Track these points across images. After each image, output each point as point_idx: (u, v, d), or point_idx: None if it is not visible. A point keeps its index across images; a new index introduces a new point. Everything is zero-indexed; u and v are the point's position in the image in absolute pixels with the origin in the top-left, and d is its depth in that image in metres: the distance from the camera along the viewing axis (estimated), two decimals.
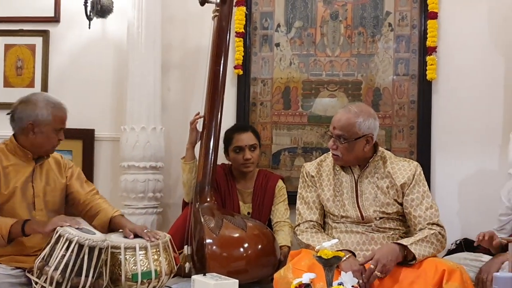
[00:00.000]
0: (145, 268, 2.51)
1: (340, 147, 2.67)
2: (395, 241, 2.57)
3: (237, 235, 2.99)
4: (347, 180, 2.74)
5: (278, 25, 3.74)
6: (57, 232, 2.37)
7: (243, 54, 3.71)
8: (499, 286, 2.20)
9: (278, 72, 3.74)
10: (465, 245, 3.02)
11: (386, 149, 2.90)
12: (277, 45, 3.74)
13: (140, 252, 2.53)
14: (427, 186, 2.73)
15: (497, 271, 2.54)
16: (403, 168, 2.72)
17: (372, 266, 2.40)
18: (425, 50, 3.55)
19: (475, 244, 2.65)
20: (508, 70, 3.46)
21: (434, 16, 3.54)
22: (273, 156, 3.74)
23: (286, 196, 3.42)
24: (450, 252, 3.01)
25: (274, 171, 3.65)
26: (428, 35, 3.54)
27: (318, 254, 2.13)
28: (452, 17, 3.56)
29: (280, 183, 3.43)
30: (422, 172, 2.74)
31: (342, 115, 2.68)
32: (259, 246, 2.99)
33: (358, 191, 2.71)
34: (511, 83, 3.38)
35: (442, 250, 2.62)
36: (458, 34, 3.57)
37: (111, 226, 2.76)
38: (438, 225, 2.63)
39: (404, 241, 2.51)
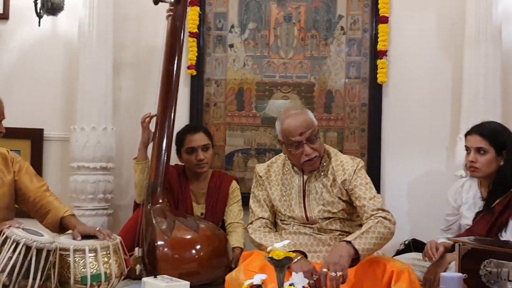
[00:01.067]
0: (95, 271, 2.48)
1: (316, 146, 2.67)
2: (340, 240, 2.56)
3: (189, 236, 2.98)
4: (296, 180, 2.76)
5: (232, 26, 3.75)
6: (3, 234, 2.31)
7: (196, 54, 3.70)
8: (446, 285, 2.26)
9: (232, 73, 3.74)
10: (413, 246, 3.08)
11: (339, 150, 2.94)
12: (231, 46, 3.74)
13: (90, 255, 2.49)
14: (369, 179, 2.72)
15: (444, 271, 2.60)
16: (346, 164, 2.72)
17: (324, 270, 2.34)
18: (376, 54, 3.61)
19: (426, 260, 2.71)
20: (456, 74, 3.54)
21: (385, 20, 3.60)
22: (226, 157, 3.74)
23: (240, 197, 3.42)
24: (399, 252, 3.06)
25: (227, 172, 3.64)
26: (379, 39, 3.60)
27: (270, 255, 2.14)
28: (403, 21, 3.63)
29: (234, 184, 3.43)
30: (363, 167, 2.76)
31: (298, 118, 2.68)
32: (211, 248, 2.98)
33: (306, 191, 2.74)
34: (458, 87, 3.46)
35: (391, 236, 2.58)
36: (408, 38, 3.64)
37: (61, 226, 2.71)
38: (383, 210, 2.60)
39: (348, 237, 2.50)
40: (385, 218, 2.56)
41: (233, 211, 3.38)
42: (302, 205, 2.72)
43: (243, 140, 3.74)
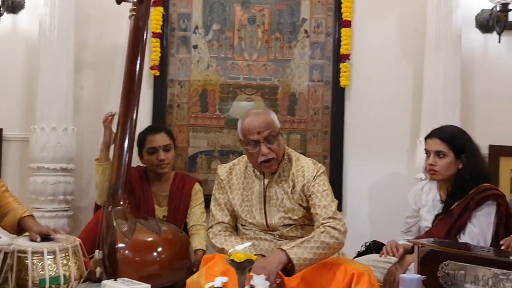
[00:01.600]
0: (54, 273, 2.43)
1: (273, 147, 2.62)
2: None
3: (150, 239, 2.94)
4: (257, 185, 2.72)
5: (196, 27, 3.73)
6: None
7: (160, 55, 3.67)
8: (405, 287, 2.29)
9: (196, 74, 3.72)
10: (374, 247, 3.10)
11: (301, 153, 2.90)
12: (195, 47, 3.72)
13: (48, 257, 2.44)
14: (327, 186, 2.66)
15: (404, 272, 2.64)
16: (306, 170, 2.67)
17: (250, 274, 2.25)
18: (339, 57, 3.64)
19: (380, 256, 2.74)
20: (416, 78, 3.60)
21: (348, 24, 3.64)
22: (189, 159, 3.72)
23: (202, 199, 3.40)
24: (360, 254, 3.08)
25: (190, 174, 3.62)
26: (342, 43, 3.64)
27: (231, 258, 2.13)
28: (365, 26, 3.68)
29: (197, 186, 3.41)
30: (324, 173, 2.70)
31: (258, 118, 2.63)
32: (173, 250, 2.95)
33: (266, 197, 2.69)
34: (419, 91, 3.52)
35: (339, 246, 2.54)
36: (371, 42, 3.68)
37: (20, 227, 2.66)
38: (334, 218, 2.55)
39: (285, 245, 2.47)
40: (333, 228, 2.51)
41: (196, 213, 3.36)
42: (263, 211, 2.69)
43: (207, 142, 3.72)
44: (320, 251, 2.46)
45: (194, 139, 3.73)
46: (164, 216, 3.34)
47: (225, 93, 3.72)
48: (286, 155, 2.73)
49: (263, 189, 2.70)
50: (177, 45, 3.72)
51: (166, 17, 3.69)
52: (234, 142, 3.69)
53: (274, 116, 2.70)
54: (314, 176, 2.64)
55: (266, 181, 2.70)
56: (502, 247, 2.44)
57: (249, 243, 2.32)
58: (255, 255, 2.34)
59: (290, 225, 2.67)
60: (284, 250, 2.41)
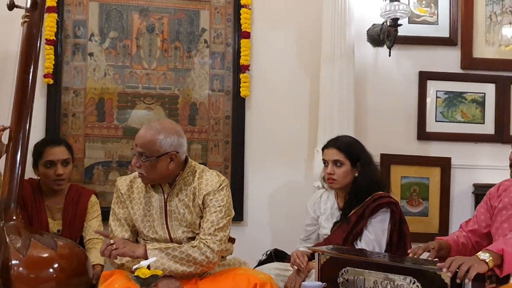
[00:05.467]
0: None
1: (143, 165, 2.54)
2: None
3: (46, 255, 2.80)
4: (156, 199, 2.64)
5: (92, 35, 3.61)
6: None
7: (53, 62, 3.52)
8: None
9: (92, 83, 3.60)
10: (275, 255, 3.15)
11: (201, 163, 2.87)
12: (91, 54, 3.61)
13: None
14: (225, 202, 2.60)
15: (304, 279, 2.70)
16: (209, 183, 2.62)
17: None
18: (239, 68, 3.67)
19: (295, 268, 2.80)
20: (313, 89, 3.70)
21: (247, 35, 3.68)
22: (86, 170, 3.59)
23: (99, 212, 3.29)
24: (261, 263, 3.12)
25: (87, 186, 3.49)
26: (241, 54, 3.67)
27: (135, 274, 2.09)
28: (264, 37, 3.74)
29: (93, 198, 3.29)
30: (227, 187, 2.65)
31: (144, 132, 2.56)
32: (70, 266, 2.82)
33: (167, 211, 2.62)
34: (315, 102, 3.62)
35: (209, 265, 2.51)
36: (269, 54, 3.74)
37: None
38: (213, 235, 2.52)
39: (151, 245, 2.50)
40: (207, 245, 2.49)
41: (93, 227, 3.24)
42: (165, 226, 2.62)
43: (104, 153, 3.61)
44: (184, 262, 2.46)
45: (91, 149, 3.60)
46: (58, 230, 3.20)
47: (123, 102, 3.63)
48: (189, 168, 2.65)
49: (163, 203, 2.63)
50: (72, 52, 3.59)
51: (60, 24, 3.55)
52: (132, 153, 3.58)
53: (161, 140, 2.52)
54: (215, 190, 2.59)
55: (166, 194, 2.63)
56: (410, 255, 2.55)
57: (154, 258, 2.29)
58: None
59: (194, 238, 2.61)
60: (145, 248, 2.47)
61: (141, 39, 3.66)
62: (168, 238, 2.61)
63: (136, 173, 2.70)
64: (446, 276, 2.11)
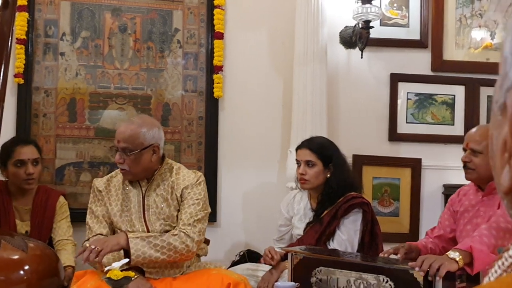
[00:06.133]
0: None
1: (127, 160, 2.60)
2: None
3: (16, 257, 2.76)
4: (135, 194, 2.70)
5: (64, 34, 3.57)
6: None
7: (24, 62, 3.46)
8: None
9: (63, 83, 3.56)
10: (248, 256, 3.16)
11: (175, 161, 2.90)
12: (62, 54, 3.57)
13: None
14: (202, 196, 2.68)
15: (277, 280, 2.71)
16: (187, 178, 2.70)
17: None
18: (212, 68, 3.66)
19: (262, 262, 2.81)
20: (286, 91, 3.71)
21: (220, 36, 3.67)
22: (57, 171, 3.54)
23: (68, 213, 3.25)
24: (234, 263, 3.13)
25: (58, 187, 3.46)
26: (214, 54, 3.65)
27: (108, 275, 2.08)
28: (237, 38, 3.73)
29: (61, 199, 3.26)
30: (203, 183, 2.72)
31: (125, 127, 2.63)
32: (41, 268, 2.78)
33: (145, 205, 2.68)
34: (288, 103, 3.64)
35: (188, 254, 2.56)
36: (243, 55, 3.74)
37: None
38: (193, 226, 2.58)
39: (134, 234, 2.54)
40: (187, 234, 2.55)
41: (62, 228, 3.21)
42: (143, 220, 2.67)
43: (75, 153, 3.56)
44: (164, 251, 2.50)
45: (62, 150, 3.56)
46: (26, 232, 3.16)
47: (95, 103, 3.60)
48: (166, 165, 2.74)
49: (141, 198, 2.68)
50: (43, 52, 3.54)
51: (31, 23, 3.50)
52: (105, 153, 3.57)
53: (145, 132, 2.62)
54: (193, 184, 2.67)
55: (144, 189, 2.69)
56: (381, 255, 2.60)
57: (126, 260, 2.28)
58: (131, 269, 2.31)
59: (170, 231, 2.65)
60: (127, 236, 2.47)
61: (113, 38, 3.63)
62: (145, 230, 2.65)
63: (113, 173, 2.81)
64: (419, 275, 2.14)
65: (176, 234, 2.55)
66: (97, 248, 2.39)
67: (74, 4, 3.59)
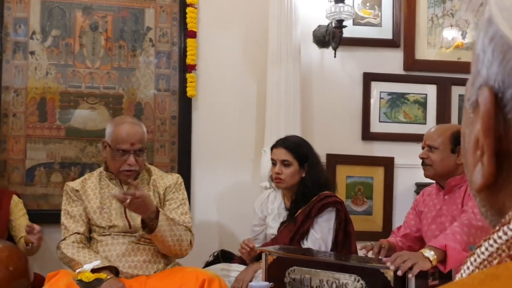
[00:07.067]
0: None
1: (140, 161, 2.69)
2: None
3: None
4: (116, 191, 2.71)
5: (34, 33, 3.50)
6: None
7: None
8: None
9: (34, 82, 3.49)
10: (222, 256, 3.15)
11: (148, 163, 2.95)
12: (32, 53, 3.50)
13: None
14: (186, 196, 2.84)
15: (251, 280, 2.71)
16: (166, 178, 2.81)
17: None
18: (185, 68, 3.62)
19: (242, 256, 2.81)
20: (260, 91, 3.70)
21: (193, 35, 3.64)
22: (27, 172, 3.47)
23: (25, 210, 3.20)
24: (208, 264, 3.11)
25: (28, 188, 3.40)
26: (187, 53, 3.62)
27: (79, 277, 2.04)
28: (210, 37, 3.71)
29: (15, 198, 3.20)
30: (183, 183, 2.86)
31: (133, 129, 2.69)
32: (10, 269, 2.75)
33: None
34: (262, 103, 3.62)
35: (182, 253, 2.69)
36: (216, 54, 3.71)
37: None
38: (190, 231, 2.73)
39: (162, 210, 2.62)
40: (192, 234, 2.73)
41: (22, 225, 3.14)
42: (124, 215, 2.69)
43: (46, 154, 3.50)
44: (174, 239, 2.59)
45: (32, 150, 3.49)
46: None
47: (65, 102, 3.53)
48: (145, 168, 2.82)
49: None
50: (12, 51, 3.47)
51: (0, 22, 3.43)
52: (76, 154, 3.51)
53: (145, 130, 2.79)
54: (176, 184, 2.79)
55: (126, 187, 2.72)
56: (364, 252, 2.61)
57: (98, 262, 2.26)
58: (105, 268, 2.30)
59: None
60: (157, 209, 2.54)
61: (84, 37, 3.58)
62: (127, 224, 2.69)
63: (86, 175, 2.87)
64: (390, 274, 2.15)
65: (187, 229, 2.68)
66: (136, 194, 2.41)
67: (44, 2, 3.52)
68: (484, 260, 0.48)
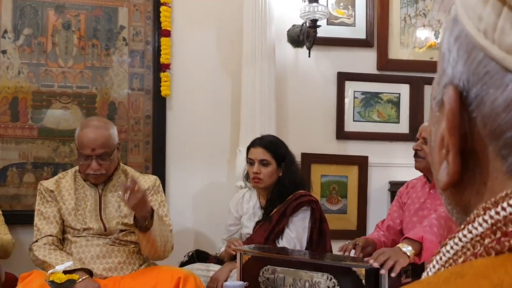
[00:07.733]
0: None
1: (104, 165, 2.63)
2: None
3: None
4: (92, 193, 2.70)
5: (5, 31, 3.45)
6: None
7: None
8: None
9: (5, 81, 3.44)
10: (197, 256, 3.14)
11: (122, 163, 2.92)
12: (4, 52, 3.45)
13: None
14: (164, 197, 2.85)
15: (226, 279, 2.70)
16: (144, 180, 2.79)
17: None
18: (159, 67, 3.60)
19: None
20: (235, 89, 3.69)
21: (167, 34, 3.62)
22: None
23: (0, 211, 3.17)
24: (183, 264, 3.10)
25: (1, 188, 3.36)
26: (162, 52, 3.59)
27: (51, 279, 2.02)
28: (185, 36, 3.69)
29: None
30: (160, 184, 2.86)
31: (95, 133, 2.62)
32: None
33: (102, 204, 2.69)
34: (237, 103, 3.62)
35: (162, 254, 2.67)
36: (191, 53, 3.70)
37: None
38: (171, 232, 2.73)
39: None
40: (172, 237, 2.72)
41: None
42: (99, 217, 2.67)
43: (18, 154, 3.45)
44: (162, 239, 2.58)
45: (4, 150, 3.44)
46: None
47: (38, 102, 3.49)
48: (121, 169, 2.79)
49: (98, 197, 2.70)
50: None
51: None
52: (49, 154, 3.47)
53: (113, 132, 2.71)
54: (154, 186, 2.78)
55: (100, 189, 2.71)
56: (340, 252, 2.62)
57: (70, 263, 2.24)
58: (79, 270, 2.28)
59: (126, 230, 2.69)
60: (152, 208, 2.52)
61: (57, 36, 3.54)
62: (102, 227, 2.66)
63: (60, 174, 2.82)
64: (361, 273, 2.16)
65: (171, 231, 2.70)
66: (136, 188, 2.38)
67: (16, 0, 3.47)
68: (449, 258, 0.49)
